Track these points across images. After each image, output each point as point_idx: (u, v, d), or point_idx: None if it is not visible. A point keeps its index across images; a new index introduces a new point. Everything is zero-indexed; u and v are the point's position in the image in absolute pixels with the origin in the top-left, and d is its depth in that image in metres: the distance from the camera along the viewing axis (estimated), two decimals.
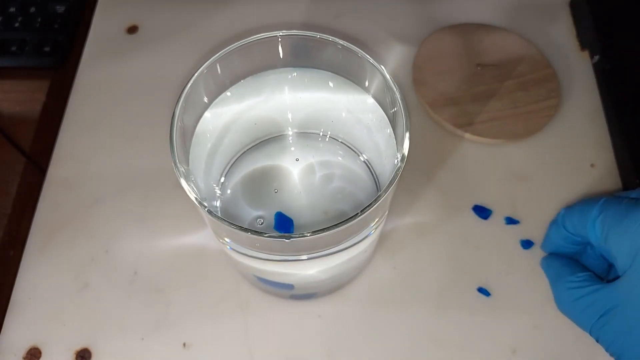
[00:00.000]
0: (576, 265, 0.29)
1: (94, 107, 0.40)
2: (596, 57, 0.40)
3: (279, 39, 0.26)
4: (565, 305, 0.28)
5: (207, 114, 0.27)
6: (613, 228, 0.26)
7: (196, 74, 0.25)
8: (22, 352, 0.31)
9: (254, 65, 0.27)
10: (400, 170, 0.22)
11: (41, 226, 0.35)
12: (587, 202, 0.29)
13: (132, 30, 0.44)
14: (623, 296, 0.25)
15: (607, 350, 0.26)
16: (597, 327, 0.26)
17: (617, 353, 0.26)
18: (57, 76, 0.42)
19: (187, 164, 0.26)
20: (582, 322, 0.27)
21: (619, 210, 0.26)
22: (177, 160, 0.23)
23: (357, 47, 0.25)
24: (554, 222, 0.32)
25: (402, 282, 0.33)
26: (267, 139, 0.30)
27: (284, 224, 0.27)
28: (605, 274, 0.30)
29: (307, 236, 0.21)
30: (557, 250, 0.31)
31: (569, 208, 0.30)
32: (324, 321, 0.32)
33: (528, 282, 0.33)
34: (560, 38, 0.42)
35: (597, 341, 0.27)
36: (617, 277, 0.26)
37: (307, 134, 0.30)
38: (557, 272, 0.30)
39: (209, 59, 0.25)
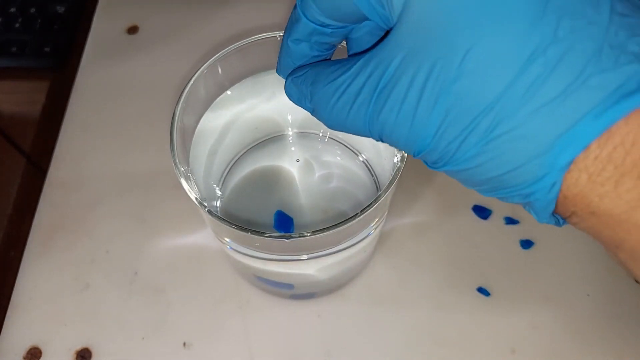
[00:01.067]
0: (330, 62, 0.20)
1: (94, 107, 0.40)
2: None
3: (279, 39, 0.26)
4: (335, 116, 0.19)
5: (207, 114, 0.27)
6: None
7: (196, 74, 0.25)
8: (23, 351, 0.31)
9: (254, 65, 0.28)
10: (400, 170, 0.22)
11: (41, 227, 0.35)
12: None
13: (133, 30, 0.44)
14: (406, 49, 0.16)
15: (396, 142, 0.18)
16: (375, 113, 0.17)
17: (410, 136, 0.17)
18: (58, 77, 0.42)
19: (187, 164, 0.26)
20: (357, 121, 0.18)
21: None
22: (177, 161, 0.23)
23: None
24: (289, 24, 0.21)
25: (401, 281, 0.33)
26: (267, 139, 0.30)
27: (284, 223, 0.28)
28: None
29: (307, 236, 0.21)
30: (300, 61, 0.21)
31: None
32: (324, 321, 0.32)
33: (528, 282, 0.33)
34: None
35: (381, 137, 0.18)
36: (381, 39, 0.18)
37: (307, 134, 0.30)
38: (313, 76, 0.20)
39: (209, 59, 0.25)
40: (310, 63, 0.21)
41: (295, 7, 0.20)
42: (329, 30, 0.20)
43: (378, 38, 0.20)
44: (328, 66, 0.19)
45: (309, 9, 0.19)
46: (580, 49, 0.14)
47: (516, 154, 0.16)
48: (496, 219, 0.35)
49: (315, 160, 0.29)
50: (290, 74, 0.21)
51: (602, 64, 0.14)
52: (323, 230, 0.21)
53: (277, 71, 0.22)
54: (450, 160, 0.17)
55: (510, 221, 0.35)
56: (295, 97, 0.21)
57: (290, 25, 0.21)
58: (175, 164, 0.23)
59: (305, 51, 0.21)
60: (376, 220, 0.25)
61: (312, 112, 0.21)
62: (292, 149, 0.30)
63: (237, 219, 0.27)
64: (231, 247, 0.26)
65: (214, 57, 0.25)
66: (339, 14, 0.19)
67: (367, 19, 0.18)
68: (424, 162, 0.18)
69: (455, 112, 0.16)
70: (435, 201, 0.36)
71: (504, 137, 0.16)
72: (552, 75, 0.15)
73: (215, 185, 0.29)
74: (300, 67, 0.21)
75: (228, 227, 0.21)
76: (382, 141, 0.19)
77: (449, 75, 0.15)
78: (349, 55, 0.21)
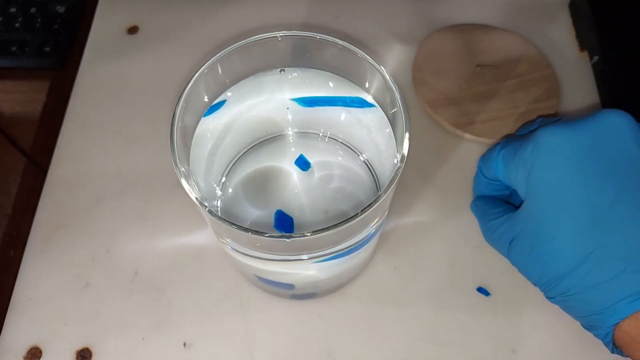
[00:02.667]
0: (497, 202, 0.32)
1: (94, 107, 0.40)
2: (595, 58, 0.40)
3: (279, 40, 0.26)
4: (488, 236, 0.31)
5: (207, 114, 0.27)
6: (509, 162, 0.29)
7: (197, 74, 0.25)
8: (23, 351, 0.31)
9: (254, 65, 0.28)
10: (400, 170, 0.22)
11: (42, 226, 0.35)
12: (493, 147, 0.32)
13: (133, 30, 0.44)
14: (523, 221, 0.28)
15: (520, 271, 0.29)
16: (509, 251, 0.29)
17: (524, 272, 0.29)
18: (58, 76, 0.42)
19: (188, 163, 0.26)
20: (500, 249, 0.30)
21: (514, 145, 0.29)
22: (178, 160, 0.23)
23: (357, 47, 0.25)
24: (476, 173, 0.35)
25: (402, 281, 0.33)
26: (268, 139, 0.30)
27: (284, 223, 0.28)
28: None
29: (307, 236, 0.21)
30: (483, 193, 0.34)
31: (483, 156, 0.33)
32: (324, 321, 0.32)
33: (528, 282, 0.33)
34: (560, 38, 0.42)
35: (513, 264, 0.30)
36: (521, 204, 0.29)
37: (307, 134, 0.30)
38: (482, 210, 0.32)
39: (210, 59, 0.25)
40: (486, 196, 0.33)
41: (478, 167, 0.34)
42: (497, 184, 0.32)
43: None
44: (490, 208, 0.32)
45: (480, 169, 0.33)
46: (622, 252, 0.25)
47: (582, 308, 0.27)
48: None
49: (316, 161, 0.29)
50: (473, 201, 0.34)
51: (636, 265, 0.25)
52: (323, 230, 0.21)
53: (473, 189, 0.35)
54: (548, 296, 0.28)
55: None
56: (475, 214, 0.34)
57: (477, 172, 0.34)
58: (176, 163, 0.23)
59: (484, 189, 0.33)
60: (376, 220, 0.25)
61: (480, 226, 0.33)
62: (292, 149, 0.30)
63: (237, 219, 0.27)
64: (232, 247, 0.26)
65: (215, 57, 0.25)
66: (493, 178, 0.32)
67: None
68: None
69: (545, 272, 0.27)
70: (435, 201, 0.36)
71: (575, 297, 0.26)
72: (602, 266, 0.25)
73: (215, 185, 0.29)
74: (479, 197, 0.34)
75: (228, 227, 0.21)
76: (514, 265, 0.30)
77: (543, 250, 0.27)
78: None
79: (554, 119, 0.31)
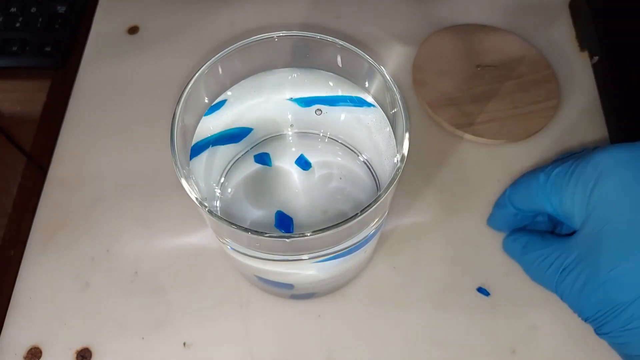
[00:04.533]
0: (539, 233, 0.30)
1: (94, 107, 0.40)
2: (595, 58, 0.40)
3: (280, 40, 0.26)
4: (533, 268, 0.29)
5: (207, 114, 0.27)
6: (563, 186, 0.27)
7: (197, 74, 0.25)
8: (23, 351, 0.31)
9: (255, 65, 0.28)
10: (400, 170, 0.22)
11: (42, 226, 0.35)
12: (528, 175, 0.30)
13: (133, 30, 0.44)
14: (579, 247, 0.26)
15: (570, 306, 0.27)
16: (558, 283, 0.27)
17: (576, 305, 0.26)
18: (58, 76, 0.42)
19: (188, 164, 0.26)
20: (547, 281, 0.28)
21: (565, 169, 0.27)
22: (178, 161, 0.23)
23: (357, 47, 0.25)
24: (499, 203, 0.32)
25: (401, 282, 0.33)
26: (267, 138, 0.30)
27: (284, 223, 0.28)
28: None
29: (307, 236, 0.21)
30: (506, 227, 0.32)
31: (514, 186, 0.31)
32: (324, 321, 0.32)
33: (528, 282, 0.33)
34: (560, 39, 0.42)
35: (561, 298, 0.27)
36: (572, 233, 0.27)
37: (307, 134, 0.30)
38: (525, 242, 0.30)
39: (210, 59, 0.25)
40: (525, 229, 0.31)
41: (504, 196, 0.32)
42: (528, 214, 0.31)
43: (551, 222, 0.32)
44: (538, 239, 0.29)
45: (513, 202, 0.31)
46: None
47: None
48: None
49: (316, 161, 0.29)
50: (510, 235, 0.32)
51: None
52: (323, 230, 0.21)
53: (488, 222, 0.34)
54: (602, 332, 0.26)
55: None
56: (510, 250, 0.32)
57: (501, 204, 0.32)
58: (176, 164, 0.23)
59: (510, 220, 0.32)
60: (376, 220, 0.25)
61: (519, 261, 0.31)
62: (292, 149, 0.30)
63: (237, 219, 0.27)
64: (231, 247, 0.26)
65: (215, 57, 0.25)
66: (530, 210, 0.30)
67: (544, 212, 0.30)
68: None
69: (604, 302, 0.25)
70: (435, 201, 0.36)
71: (636, 330, 0.24)
72: None
73: (215, 185, 0.29)
74: (517, 230, 0.32)
75: (228, 227, 0.21)
76: (561, 299, 0.28)
77: (603, 278, 0.24)
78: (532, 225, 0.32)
79: (610, 145, 0.30)
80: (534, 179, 0.29)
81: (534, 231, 0.31)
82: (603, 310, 0.25)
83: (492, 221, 0.33)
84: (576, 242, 0.26)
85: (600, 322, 0.25)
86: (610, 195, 0.25)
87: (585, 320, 0.26)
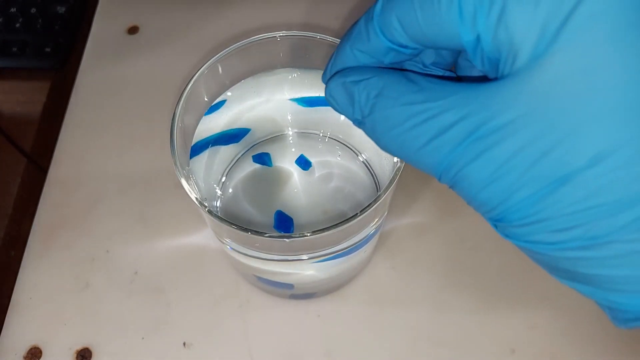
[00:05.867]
0: (405, 80, 0.17)
1: (94, 107, 0.40)
2: None
3: (280, 40, 0.26)
4: (398, 139, 0.17)
5: (207, 114, 0.27)
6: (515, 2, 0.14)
7: (197, 74, 0.25)
8: (23, 351, 0.31)
9: (255, 65, 0.28)
10: (400, 170, 0.22)
11: (42, 226, 0.35)
12: None
13: (133, 31, 0.44)
14: (520, 109, 0.14)
15: (461, 191, 0.16)
16: (457, 162, 0.16)
17: (486, 194, 0.15)
18: (58, 77, 0.42)
19: (188, 164, 0.26)
20: (428, 159, 0.16)
21: None
22: (178, 161, 0.23)
23: None
24: (353, 31, 0.18)
25: (401, 282, 0.33)
26: (267, 139, 0.30)
27: (284, 223, 0.28)
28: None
29: (307, 236, 0.21)
30: (358, 73, 0.18)
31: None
32: (324, 321, 0.32)
33: (527, 282, 0.33)
34: None
35: (451, 186, 0.17)
36: (492, 79, 0.15)
37: (307, 134, 0.30)
38: (377, 93, 0.17)
39: (210, 59, 0.25)
40: (375, 67, 0.18)
41: (369, 18, 0.17)
42: (407, 51, 0.17)
43: (452, 58, 0.19)
44: (404, 83, 0.17)
45: (389, 28, 0.17)
46: None
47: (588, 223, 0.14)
48: None
49: (316, 160, 0.30)
50: (339, 73, 0.18)
51: None
52: (323, 230, 0.21)
53: (322, 77, 0.20)
54: (518, 224, 0.15)
55: None
56: (340, 102, 0.19)
57: (356, 35, 0.18)
58: (176, 164, 0.23)
59: (366, 61, 0.18)
60: (376, 220, 0.25)
61: (359, 125, 0.18)
62: (292, 149, 0.30)
63: (237, 219, 0.28)
64: (231, 247, 0.26)
65: (215, 57, 0.25)
66: (429, 41, 0.16)
67: (457, 49, 0.16)
68: (494, 226, 0.17)
69: (545, 171, 0.14)
70: (435, 201, 0.36)
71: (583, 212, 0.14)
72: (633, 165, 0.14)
73: (215, 185, 0.29)
74: (356, 68, 0.18)
75: (228, 227, 0.21)
76: (450, 187, 0.17)
77: (574, 164, 0.14)
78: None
79: None
80: None
81: (395, 71, 0.18)
82: (533, 190, 0.15)
83: (334, 67, 0.19)
84: (512, 97, 0.15)
85: (523, 212, 0.15)
86: (603, 31, 0.14)
87: (493, 212, 0.16)
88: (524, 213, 0.15)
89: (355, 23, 0.18)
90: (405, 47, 0.17)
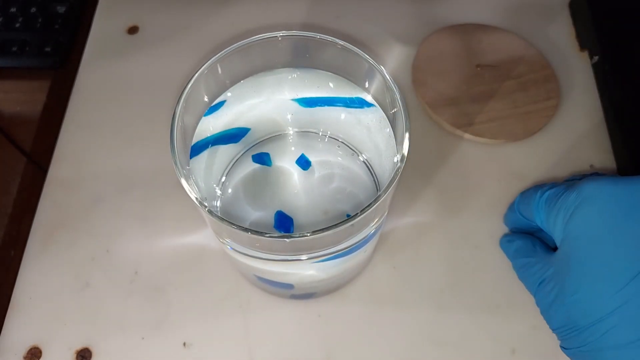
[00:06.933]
0: (531, 240, 0.32)
1: (94, 107, 0.40)
2: (595, 58, 0.40)
3: (279, 40, 0.26)
4: (521, 272, 0.31)
5: (207, 114, 0.27)
6: (551, 206, 0.29)
7: (197, 74, 0.25)
8: (23, 351, 0.31)
9: (254, 65, 0.28)
10: (400, 170, 0.22)
11: (42, 226, 0.35)
12: (534, 187, 0.32)
13: (133, 30, 0.44)
14: (555, 265, 0.28)
15: (542, 314, 0.29)
16: (536, 292, 0.29)
17: (547, 316, 0.28)
18: (58, 76, 0.42)
19: (188, 163, 0.26)
20: (529, 287, 0.30)
21: (558, 191, 0.29)
22: (178, 160, 0.23)
23: (357, 47, 0.25)
24: (510, 207, 0.34)
25: (401, 281, 0.33)
26: (267, 138, 0.30)
27: (284, 223, 0.28)
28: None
29: (307, 236, 0.21)
30: (517, 227, 0.34)
31: (522, 194, 0.33)
32: (324, 321, 0.32)
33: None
34: (560, 38, 0.42)
35: (537, 305, 0.29)
36: (556, 249, 0.29)
37: (307, 134, 0.30)
38: (517, 247, 0.32)
39: (210, 59, 0.25)
40: (522, 232, 0.33)
41: (513, 204, 0.34)
42: (527, 222, 0.32)
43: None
44: (528, 246, 0.31)
45: (518, 209, 0.33)
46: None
47: None
48: (496, 218, 0.35)
49: (316, 160, 0.30)
50: (506, 236, 0.34)
51: None
52: (323, 230, 0.21)
53: (504, 220, 0.35)
54: (564, 346, 0.27)
55: None
56: (504, 249, 0.34)
57: (515, 205, 0.33)
58: (176, 164, 0.23)
59: (518, 224, 0.33)
60: (376, 220, 0.25)
61: (510, 260, 0.33)
62: (292, 148, 0.30)
63: (237, 219, 0.27)
64: (231, 247, 0.26)
65: (215, 57, 0.25)
66: (529, 219, 0.32)
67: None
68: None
69: (568, 320, 0.26)
70: (435, 201, 0.36)
71: (591, 354, 0.26)
72: (626, 327, 0.24)
73: (215, 185, 0.29)
74: (514, 233, 0.34)
75: (228, 227, 0.21)
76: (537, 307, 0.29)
77: (569, 298, 0.26)
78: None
79: (604, 175, 0.32)
80: (533, 193, 0.31)
81: (529, 236, 0.32)
82: (565, 327, 0.27)
83: (505, 221, 0.35)
84: (554, 260, 0.28)
85: (562, 337, 0.27)
86: (585, 224, 0.27)
87: (553, 331, 0.28)
88: (559, 337, 0.28)
89: (510, 207, 0.35)
90: (528, 219, 0.32)
